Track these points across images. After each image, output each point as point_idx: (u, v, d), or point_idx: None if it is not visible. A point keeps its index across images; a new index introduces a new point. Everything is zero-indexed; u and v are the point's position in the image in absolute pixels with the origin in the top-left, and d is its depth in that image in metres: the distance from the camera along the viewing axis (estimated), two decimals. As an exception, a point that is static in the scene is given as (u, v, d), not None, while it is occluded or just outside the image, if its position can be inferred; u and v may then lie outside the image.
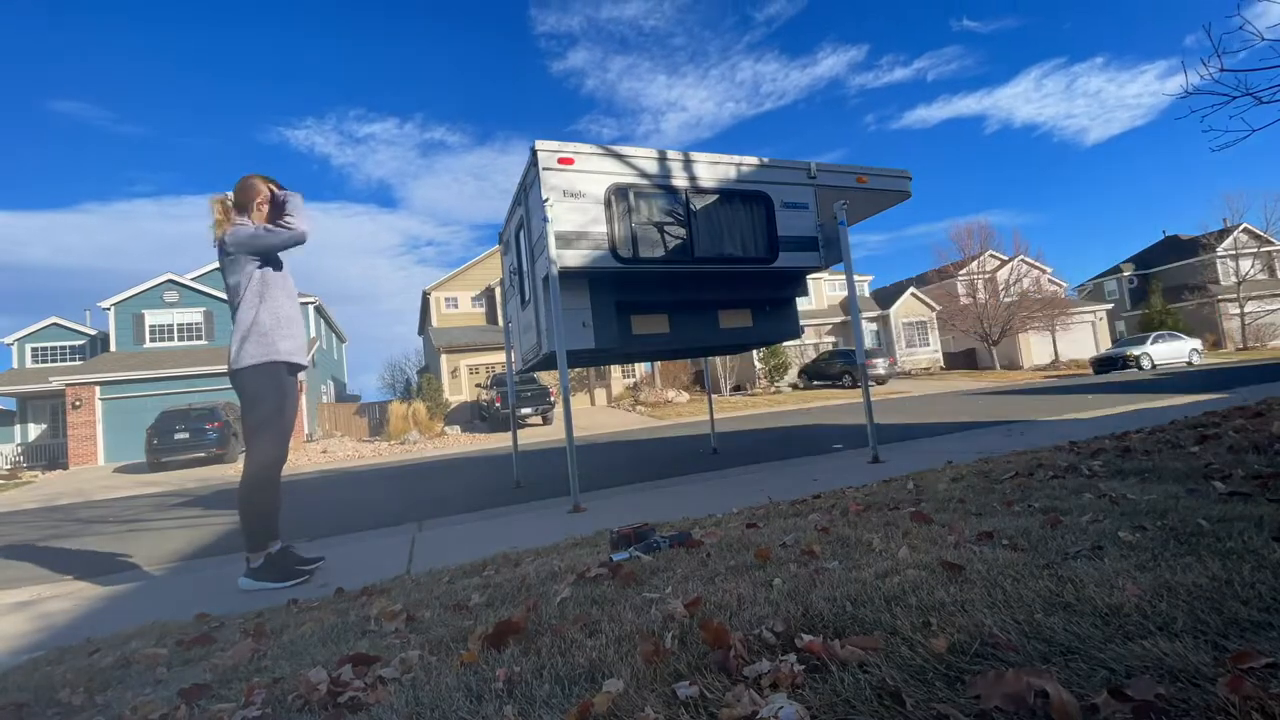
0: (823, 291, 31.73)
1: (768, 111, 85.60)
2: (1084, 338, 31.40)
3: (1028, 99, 74.04)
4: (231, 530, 5.10)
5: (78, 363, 24.08)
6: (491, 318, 27.86)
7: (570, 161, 4.33)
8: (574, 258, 4.28)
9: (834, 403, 16.90)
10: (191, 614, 2.28)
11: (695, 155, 4.78)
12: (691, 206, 4.71)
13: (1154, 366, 20.06)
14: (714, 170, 4.83)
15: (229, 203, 2.97)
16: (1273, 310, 31.41)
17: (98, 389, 20.44)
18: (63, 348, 25.48)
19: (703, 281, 4.98)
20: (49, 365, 24.80)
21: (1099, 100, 72.79)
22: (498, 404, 17.73)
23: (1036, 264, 31.42)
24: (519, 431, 8.08)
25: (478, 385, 22.55)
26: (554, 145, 4.31)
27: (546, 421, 18.56)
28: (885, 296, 33.51)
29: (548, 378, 18.45)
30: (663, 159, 4.66)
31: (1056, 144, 78.05)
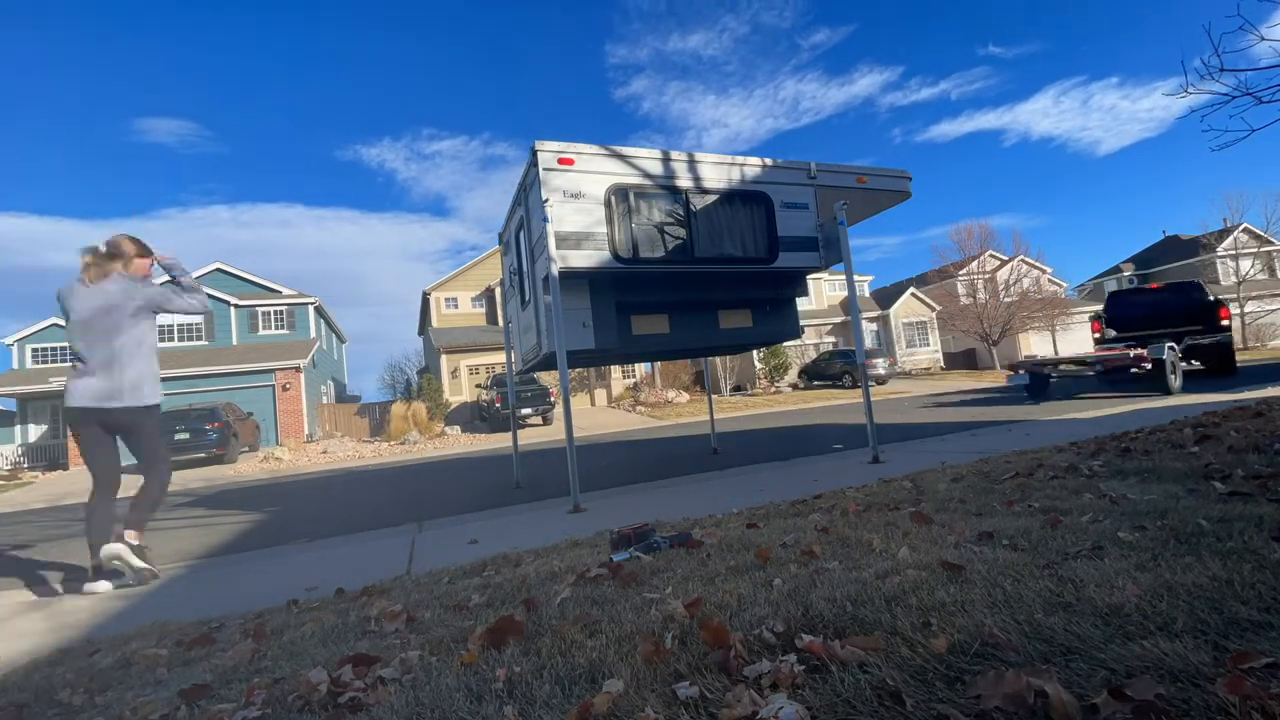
0: (823, 291, 31.74)
1: (804, 126, 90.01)
2: (1084, 337, 31.35)
3: (1046, 114, 76.85)
4: (240, 531, 5.11)
5: (78, 363, 24.07)
6: (491, 318, 27.87)
7: (570, 162, 4.33)
8: (574, 258, 4.28)
9: (834, 403, 16.90)
10: (199, 614, 2.28)
11: (696, 155, 4.78)
12: (692, 207, 4.70)
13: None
14: (714, 171, 4.82)
15: (101, 252, 3.29)
16: (1273, 310, 31.41)
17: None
18: (63, 348, 25.49)
19: (703, 282, 4.97)
20: (49, 366, 24.80)
21: (1113, 114, 75.32)
22: (498, 404, 17.73)
23: (1036, 264, 31.43)
24: (519, 432, 8.08)
25: (478, 385, 22.55)
26: (554, 145, 4.31)
27: (546, 422, 18.57)
28: (885, 296, 33.52)
29: (548, 378, 18.46)
30: (662, 159, 4.66)
31: (1070, 154, 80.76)
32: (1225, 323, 10.17)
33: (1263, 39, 3.49)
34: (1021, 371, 9.80)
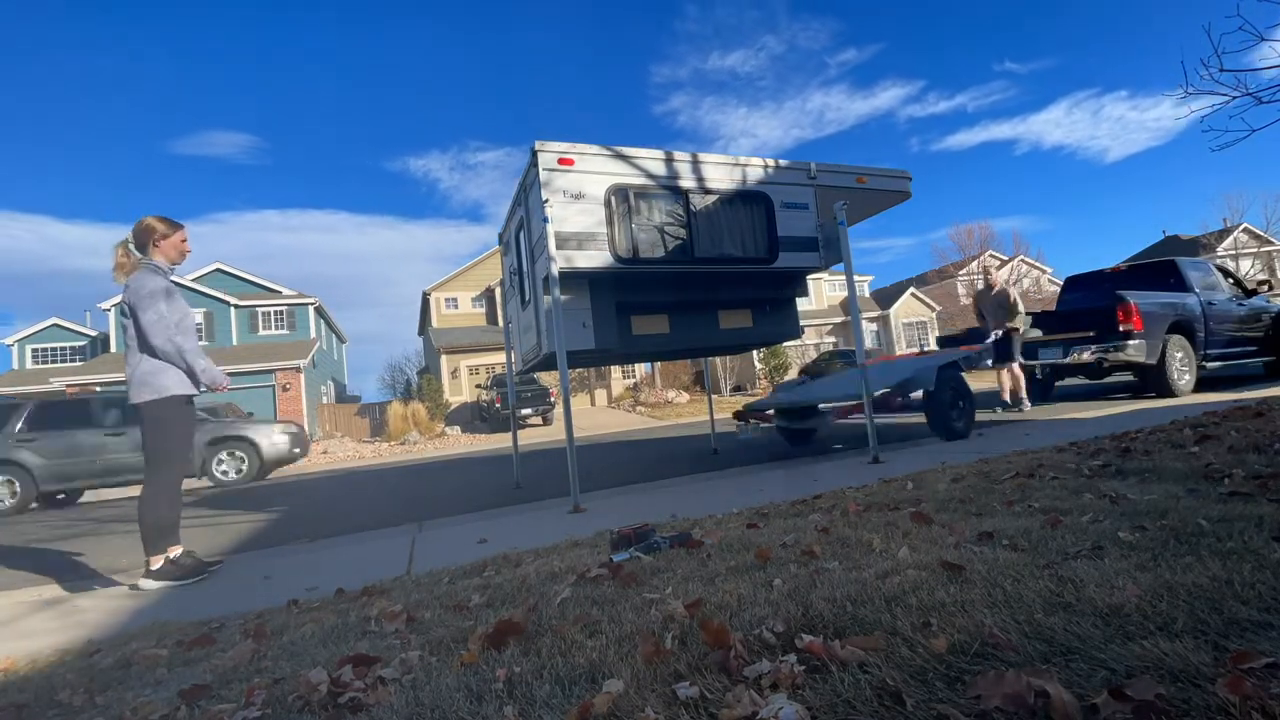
0: (823, 291, 31.75)
1: (828, 135, 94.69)
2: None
3: (1058, 125, 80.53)
4: (242, 531, 5.11)
5: (78, 364, 24.11)
6: (492, 318, 27.88)
7: (570, 162, 4.33)
8: (574, 258, 4.28)
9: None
10: (200, 614, 2.28)
11: (696, 155, 4.78)
12: (692, 207, 4.70)
13: (1154, 366, 19.99)
14: (714, 171, 4.83)
15: (130, 245, 3.16)
16: (1273, 310, 31.38)
17: (98, 390, 20.45)
18: (63, 349, 25.51)
19: (703, 282, 4.98)
20: (49, 366, 24.82)
21: (1121, 124, 78.45)
22: (498, 404, 17.74)
23: (1036, 264, 31.45)
24: (519, 432, 8.08)
25: (478, 386, 22.56)
26: (554, 146, 4.31)
27: (546, 422, 18.57)
28: (885, 297, 33.53)
29: (548, 378, 18.46)
30: (662, 159, 4.66)
31: (1079, 161, 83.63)
32: (1125, 328, 7.13)
33: (1262, 38, 3.49)
34: (753, 422, 6.73)
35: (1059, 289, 10.86)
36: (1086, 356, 7.55)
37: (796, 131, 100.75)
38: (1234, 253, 32.88)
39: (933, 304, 31.78)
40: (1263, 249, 33.27)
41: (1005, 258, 31.25)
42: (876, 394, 5.36)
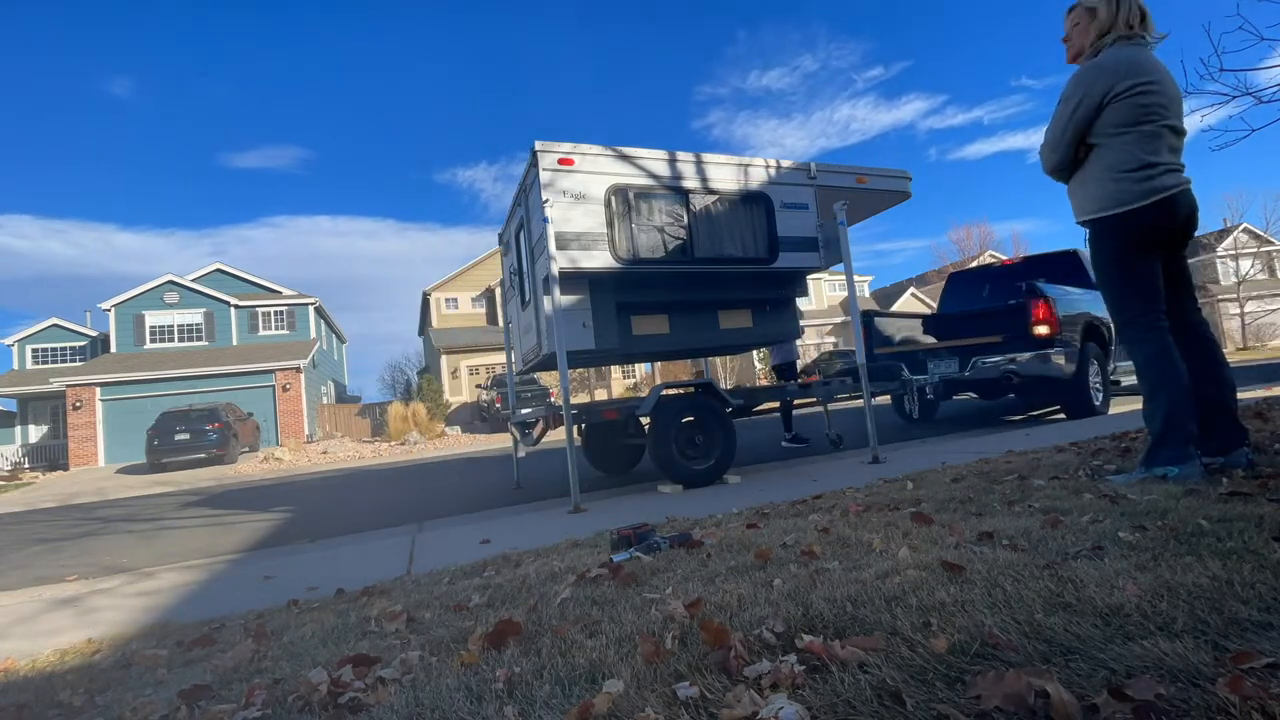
0: (823, 291, 31.74)
1: (852, 144, 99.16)
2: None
3: None
4: (245, 530, 5.10)
5: (78, 364, 24.11)
6: (492, 318, 27.89)
7: (570, 162, 4.33)
8: (574, 259, 4.28)
9: (832, 404, 16.85)
10: (205, 613, 2.28)
11: (696, 156, 4.79)
12: (692, 207, 4.71)
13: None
14: (714, 171, 4.83)
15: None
16: (1272, 310, 31.41)
17: (98, 390, 20.47)
18: (63, 349, 25.51)
19: (703, 282, 4.98)
20: (50, 366, 24.82)
21: None
22: (498, 404, 17.74)
23: (1037, 264, 31.44)
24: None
25: (478, 386, 22.57)
26: (555, 146, 4.31)
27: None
28: (885, 296, 33.53)
29: (548, 378, 18.46)
30: (662, 160, 4.66)
31: None
32: (1042, 331, 5.80)
33: (1262, 38, 3.49)
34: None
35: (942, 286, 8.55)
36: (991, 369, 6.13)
37: (823, 141, 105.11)
38: (1234, 253, 32.89)
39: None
40: (1262, 249, 33.27)
41: (1005, 258, 31.29)
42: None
